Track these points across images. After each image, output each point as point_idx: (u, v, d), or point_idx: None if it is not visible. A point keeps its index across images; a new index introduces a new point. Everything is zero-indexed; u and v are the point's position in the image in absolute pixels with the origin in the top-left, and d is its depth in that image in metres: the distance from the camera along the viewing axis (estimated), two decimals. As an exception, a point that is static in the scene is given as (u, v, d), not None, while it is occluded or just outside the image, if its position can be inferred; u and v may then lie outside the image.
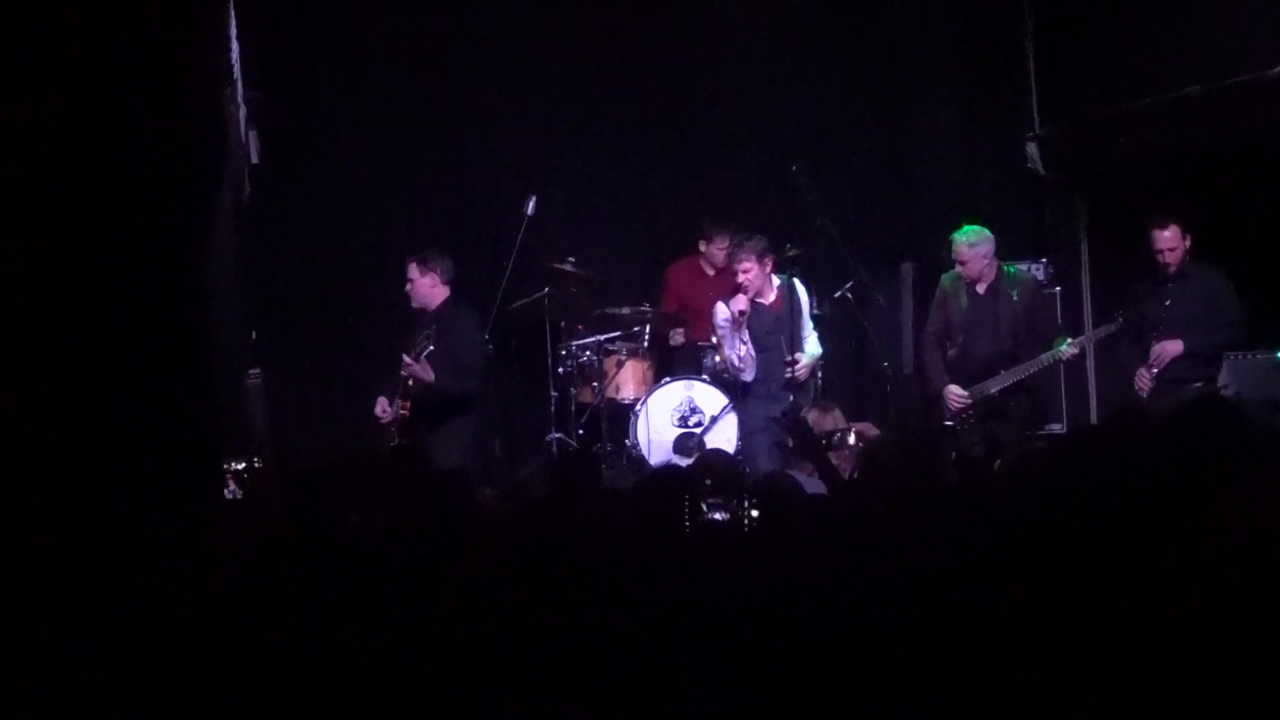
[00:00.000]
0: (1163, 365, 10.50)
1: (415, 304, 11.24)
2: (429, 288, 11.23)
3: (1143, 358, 10.63)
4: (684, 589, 4.89)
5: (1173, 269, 10.57)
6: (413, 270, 11.23)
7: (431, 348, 10.86)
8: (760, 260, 11.00)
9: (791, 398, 10.98)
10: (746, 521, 5.74)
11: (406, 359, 10.89)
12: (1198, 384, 10.30)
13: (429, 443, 10.62)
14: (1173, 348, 10.49)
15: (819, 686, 4.34)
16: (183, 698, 4.71)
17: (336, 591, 5.21)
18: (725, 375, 11.46)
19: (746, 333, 11.01)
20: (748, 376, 11.10)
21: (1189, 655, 4.10)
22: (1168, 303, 10.59)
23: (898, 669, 4.27)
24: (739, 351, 11.04)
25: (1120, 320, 10.72)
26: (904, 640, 4.35)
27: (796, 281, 11.23)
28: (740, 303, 10.95)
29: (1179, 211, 10.57)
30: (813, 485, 7.80)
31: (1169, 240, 10.52)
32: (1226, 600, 4.22)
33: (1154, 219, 10.57)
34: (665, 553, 5.36)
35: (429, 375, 10.91)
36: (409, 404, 11.03)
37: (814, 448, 7.58)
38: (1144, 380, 10.59)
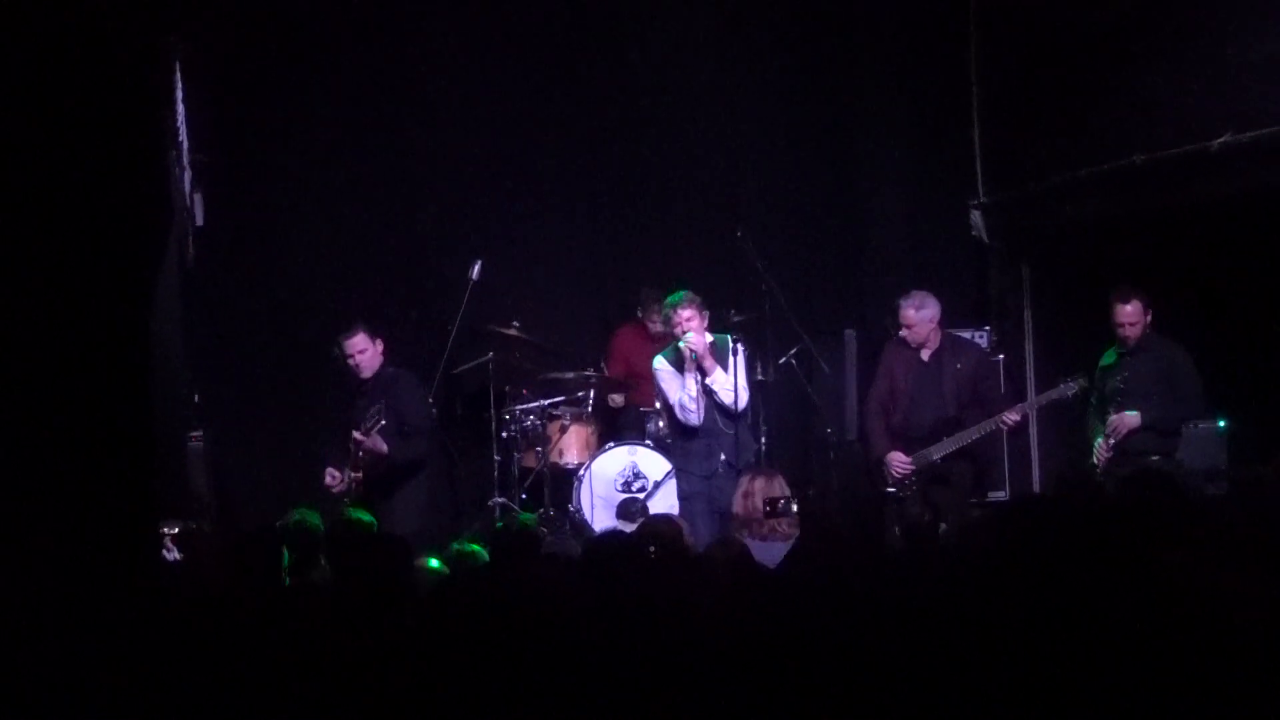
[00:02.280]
0: (1119, 437, 10.51)
1: (366, 374, 11.20)
2: (377, 355, 11.19)
3: (1100, 429, 10.65)
4: (632, 658, 4.87)
5: (1131, 342, 10.57)
6: (365, 341, 11.17)
7: (383, 422, 10.81)
8: (700, 310, 10.95)
9: (723, 456, 10.93)
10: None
11: (358, 436, 10.83)
12: (1155, 457, 10.30)
13: (385, 510, 10.63)
14: (1130, 420, 10.48)
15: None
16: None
17: (276, 655, 5.16)
18: (668, 439, 11.46)
19: (697, 372, 10.95)
20: (695, 419, 11.01)
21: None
22: (1127, 375, 10.60)
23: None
24: (690, 392, 10.95)
25: (1066, 386, 10.73)
26: (847, 711, 4.34)
27: (729, 339, 11.14)
28: (694, 340, 10.86)
29: (1142, 285, 10.59)
30: (760, 551, 7.78)
31: (1130, 315, 10.50)
32: (1167, 669, 4.24)
33: (1117, 292, 10.56)
34: (612, 622, 5.33)
35: (382, 448, 10.88)
36: (360, 475, 10.99)
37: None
38: (1102, 451, 10.60)
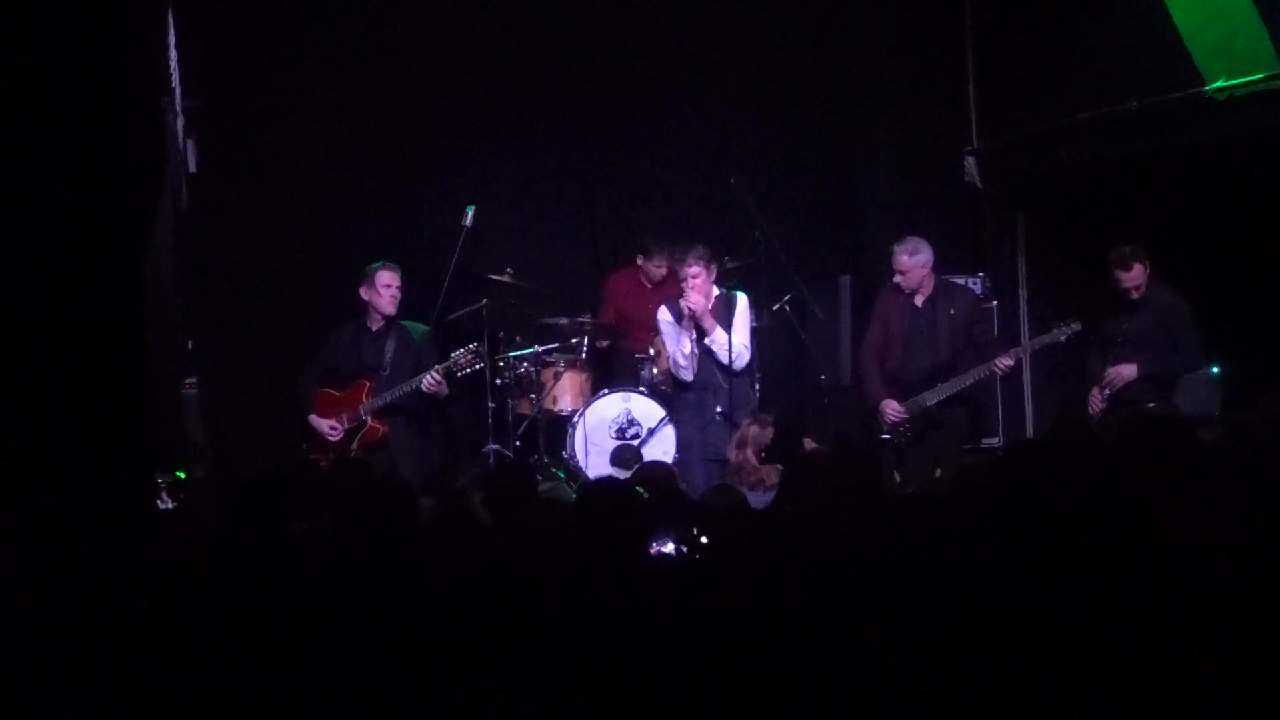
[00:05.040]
0: (1115, 388, 10.51)
1: (392, 311, 11.36)
2: None
3: (1100, 377, 10.64)
4: (627, 605, 4.88)
5: (1138, 300, 10.55)
6: (399, 278, 11.35)
7: (480, 365, 11.22)
8: (708, 265, 10.94)
9: (720, 409, 10.94)
10: (695, 551, 5.72)
11: (437, 379, 11.02)
12: (1151, 405, 10.30)
13: (401, 456, 11.12)
14: (1127, 371, 10.49)
15: (765, 703, 4.33)
16: (119, 711, 4.67)
17: (275, 602, 5.17)
18: (663, 386, 11.49)
19: (694, 331, 10.96)
20: (688, 376, 11.03)
21: (1129, 664, 4.13)
22: (1126, 326, 10.60)
23: (842, 686, 4.27)
24: (684, 349, 10.98)
25: (1059, 330, 10.72)
26: (845, 656, 4.35)
27: (740, 295, 11.16)
28: (693, 299, 10.86)
29: (1136, 234, 10.56)
30: (757, 499, 7.79)
31: (1133, 279, 10.46)
32: (1164, 615, 4.25)
33: (1115, 257, 10.49)
34: (608, 571, 5.34)
35: (445, 391, 11.17)
36: (380, 421, 11.11)
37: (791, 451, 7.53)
38: (1096, 401, 10.60)
